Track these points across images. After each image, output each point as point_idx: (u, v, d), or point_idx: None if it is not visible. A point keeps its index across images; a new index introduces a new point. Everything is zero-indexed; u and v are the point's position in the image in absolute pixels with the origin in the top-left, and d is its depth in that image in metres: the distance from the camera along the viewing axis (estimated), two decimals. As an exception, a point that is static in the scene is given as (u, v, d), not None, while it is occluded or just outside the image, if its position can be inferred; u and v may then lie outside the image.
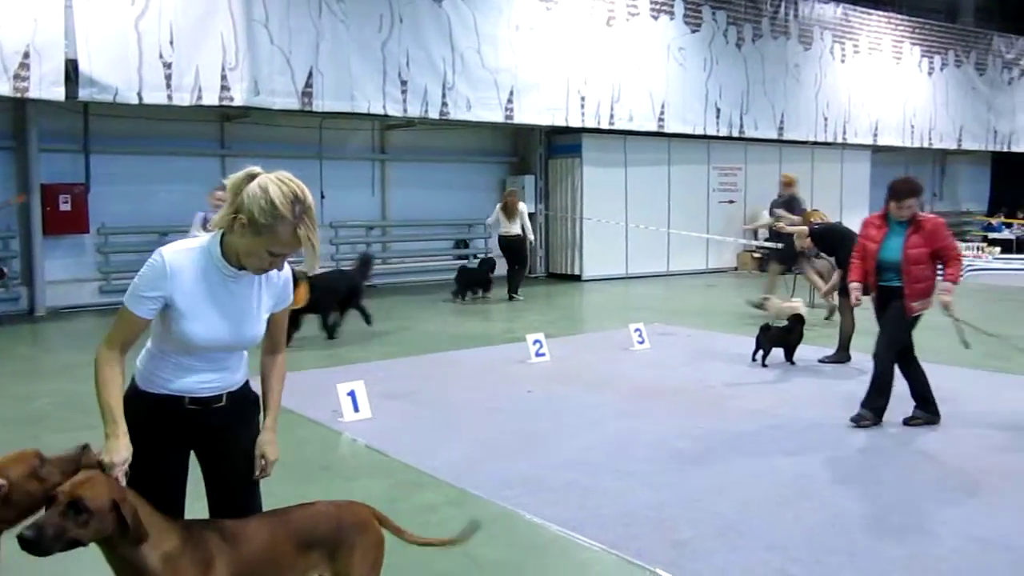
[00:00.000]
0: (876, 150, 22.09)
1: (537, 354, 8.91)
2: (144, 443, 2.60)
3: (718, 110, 17.87)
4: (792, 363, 8.67)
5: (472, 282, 14.03)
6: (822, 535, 4.41)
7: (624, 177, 17.50)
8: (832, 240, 9.07)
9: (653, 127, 16.94)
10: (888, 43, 21.11)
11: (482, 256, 15.14)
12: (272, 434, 2.91)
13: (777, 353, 8.72)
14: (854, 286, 6.71)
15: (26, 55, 10.51)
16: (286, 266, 2.85)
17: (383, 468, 5.60)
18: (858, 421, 6.43)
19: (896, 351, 6.46)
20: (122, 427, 2.55)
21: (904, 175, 6.70)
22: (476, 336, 10.61)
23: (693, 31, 17.39)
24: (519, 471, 5.46)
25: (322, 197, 15.14)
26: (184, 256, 2.66)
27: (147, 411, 2.69)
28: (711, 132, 17.92)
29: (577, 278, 17.20)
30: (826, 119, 19.92)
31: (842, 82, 20.16)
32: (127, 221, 13.30)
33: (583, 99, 15.85)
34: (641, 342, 9.58)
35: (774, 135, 19.04)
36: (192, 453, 2.88)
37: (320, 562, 2.73)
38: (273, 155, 14.63)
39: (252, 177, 2.64)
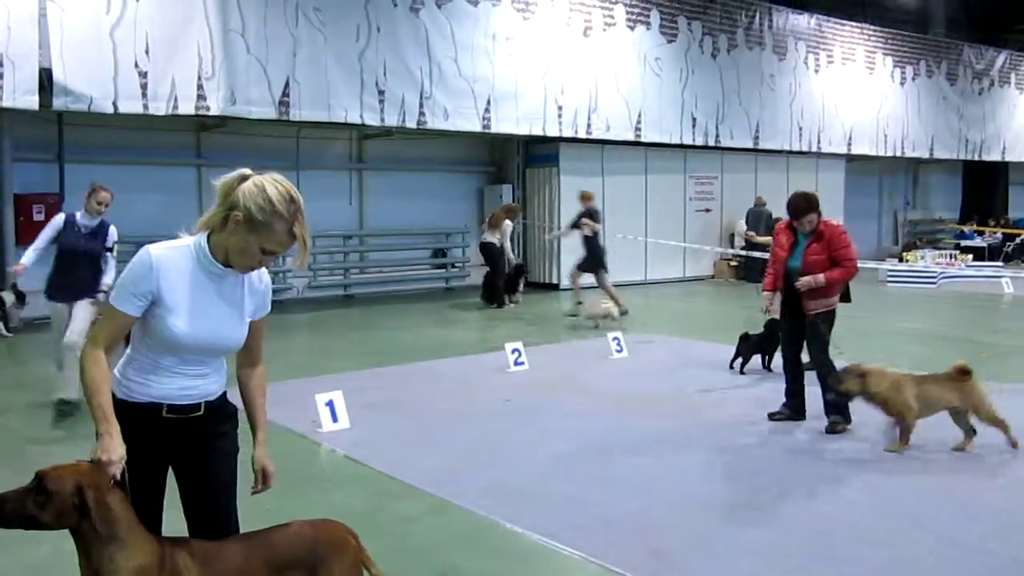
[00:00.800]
0: (850, 159, 22.34)
1: (516, 363, 8.91)
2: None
3: (694, 120, 17.99)
4: (770, 370, 8.74)
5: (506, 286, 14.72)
6: (803, 542, 4.44)
7: (601, 186, 17.54)
8: None
9: (630, 136, 17.03)
10: (861, 53, 21.36)
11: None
12: (265, 447, 2.95)
13: (756, 360, 8.79)
14: (766, 295, 6.96)
15: (0, 64, 10.41)
16: (267, 275, 2.89)
17: (363, 478, 5.58)
18: (833, 428, 6.50)
19: (826, 350, 6.65)
20: (115, 425, 2.53)
21: (801, 191, 6.87)
22: (454, 345, 10.60)
23: (669, 41, 17.52)
24: (499, 480, 5.46)
25: (299, 207, 15.11)
26: (171, 253, 2.70)
27: (125, 422, 2.65)
28: (687, 141, 18.03)
29: (555, 287, 17.23)
30: (801, 128, 20.11)
31: (817, 92, 20.37)
32: (102, 231, 13.17)
33: (560, 108, 15.90)
34: (620, 351, 9.60)
35: (750, 144, 19.20)
36: (170, 469, 2.85)
37: None
38: (250, 165, 14.48)
39: (245, 178, 2.69)
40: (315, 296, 15.33)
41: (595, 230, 13.06)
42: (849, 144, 21.29)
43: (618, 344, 9.67)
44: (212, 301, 2.72)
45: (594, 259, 13.10)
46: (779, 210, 17.96)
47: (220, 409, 2.87)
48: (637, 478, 5.50)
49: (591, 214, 13.24)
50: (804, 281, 6.49)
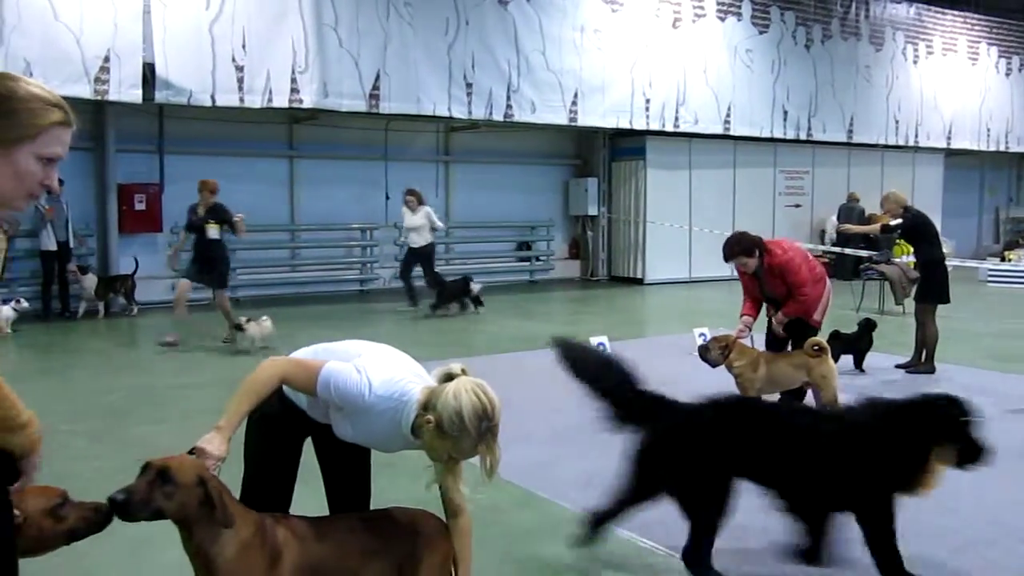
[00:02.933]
0: (950, 153, 21.52)
1: (601, 357, 8.85)
2: (269, 429, 2.67)
3: (785, 112, 17.61)
4: (862, 370, 8.50)
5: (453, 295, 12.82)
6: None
7: (688, 180, 17.35)
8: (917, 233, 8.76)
9: (719, 130, 16.77)
10: (964, 43, 20.56)
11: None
12: None
13: (846, 360, 8.56)
14: (745, 320, 6.75)
15: (106, 59, 10.86)
16: None
17: (449, 467, 5.63)
18: None
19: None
20: (232, 431, 2.60)
21: (735, 234, 6.74)
22: (539, 338, 10.55)
23: (761, 32, 17.17)
24: (586, 473, 5.44)
25: (387, 199, 15.36)
26: (385, 405, 2.70)
27: (280, 402, 2.79)
28: (778, 135, 17.67)
29: (639, 281, 17.10)
30: (897, 121, 19.50)
31: (915, 83, 19.72)
32: (199, 220, 13.60)
33: (648, 101, 15.76)
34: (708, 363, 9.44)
35: (843, 138, 18.69)
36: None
37: (389, 572, 2.73)
38: (340, 156, 14.87)
39: (451, 377, 2.69)
40: (401, 287, 15.52)
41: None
42: (949, 138, 20.54)
43: (704, 339, 9.51)
44: (388, 438, 2.79)
45: (220, 270, 10.01)
46: (872, 206, 17.50)
47: None
48: (726, 476, 5.42)
49: (215, 211, 10.07)
50: (775, 327, 6.56)
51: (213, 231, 9.83)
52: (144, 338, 10.88)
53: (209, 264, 9.84)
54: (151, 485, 2.34)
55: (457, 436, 2.61)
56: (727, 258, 6.57)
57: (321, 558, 2.59)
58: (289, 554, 2.52)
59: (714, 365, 6.57)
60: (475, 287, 12.61)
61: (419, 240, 12.65)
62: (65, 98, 1.96)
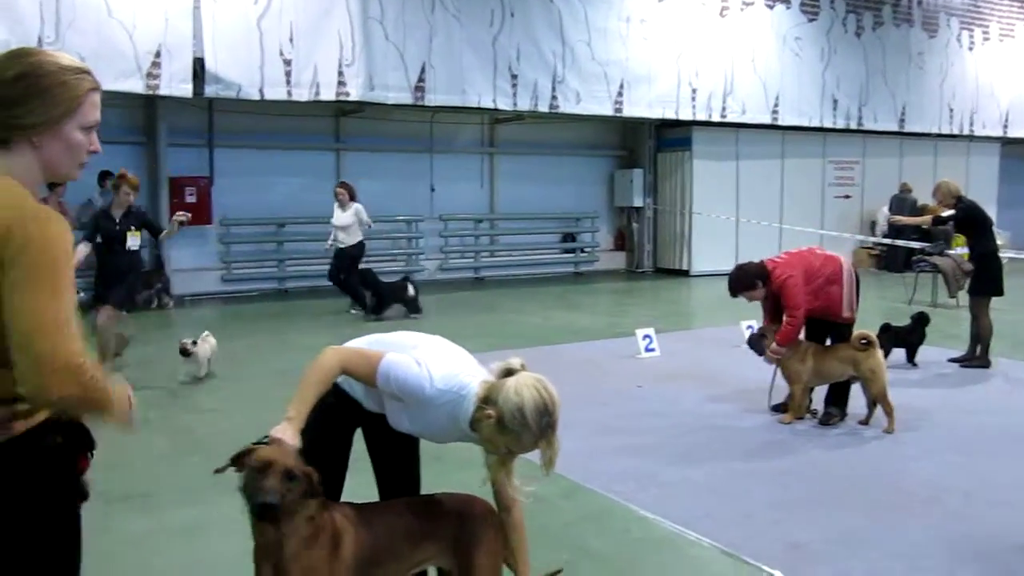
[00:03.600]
0: (1006, 142, 20.97)
1: (647, 349, 8.82)
2: (322, 418, 2.70)
3: (835, 101, 17.32)
4: (914, 364, 8.34)
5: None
6: (953, 545, 4.23)
7: (735, 170, 17.14)
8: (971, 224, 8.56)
9: (767, 119, 16.54)
10: (1022, 29, 20.01)
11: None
12: None
13: (899, 354, 8.41)
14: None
15: (158, 54, 11.03)
16: None
17: (495, 458, 5.64)
18: (828, 420, 6.38)
19: None
20: (302, 423, 2.60)
21: (735, 269, 6.64)
22: (584, 330, 10.59)
23: (810, 20, 16.89)
24: (631, 466, 5.42)
25: (432, 190, 15.42)
26: (445, 398, 2.70)
27: (333, 394, 2.81)
28: (827, 124, 17.38)
29: (685, 273, 16.96)
30: (951, 110, 19.06)
31: (970, 71, 19.25)
32: (247, 212, 13.79)
33: (694, 91, 15.60)
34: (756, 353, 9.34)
35: (895, 127, 18.33)
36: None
37: (439, 555, 2.77)
38: (385, 149, 14.96)
39: (511, 372, 2.67)
40: (446, 278, 15.61)
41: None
42: (1005, 127, 20.04)
43: (753, 330, 9.41)
44: (446, 432, 2.80)
45: (130, 288, 7.94)
46: (925, 196, 17.13)
47: None
48: (774, 470, 5.37)
49: (136, 216, 7.84)
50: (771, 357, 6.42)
51: (134, 240, 7.70)
52: (189, 331, 11.06)
53: (120, 280, 7.63)
54: (282, 482, 2.37)
55: (518, 432, 2.60)
56: (734, 294, 6.55)
57: (373, 542, 2.62)
58: (347, 538, 2.57)
59: (761, 354, 6.47)
60: (412, 290, 11.42)
61: (348, 239, 11.42)
62: (118, 93, 2.00)
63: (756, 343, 6.53)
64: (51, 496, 1.91)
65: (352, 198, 11.49)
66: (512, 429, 2.60)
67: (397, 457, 3.08)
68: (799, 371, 6.28)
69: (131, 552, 4.09)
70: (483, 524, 2.82)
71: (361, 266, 11.71)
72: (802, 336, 6.44)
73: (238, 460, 2.48)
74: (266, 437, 2.52)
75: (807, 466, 5.47)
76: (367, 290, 11.38)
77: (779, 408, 6.64)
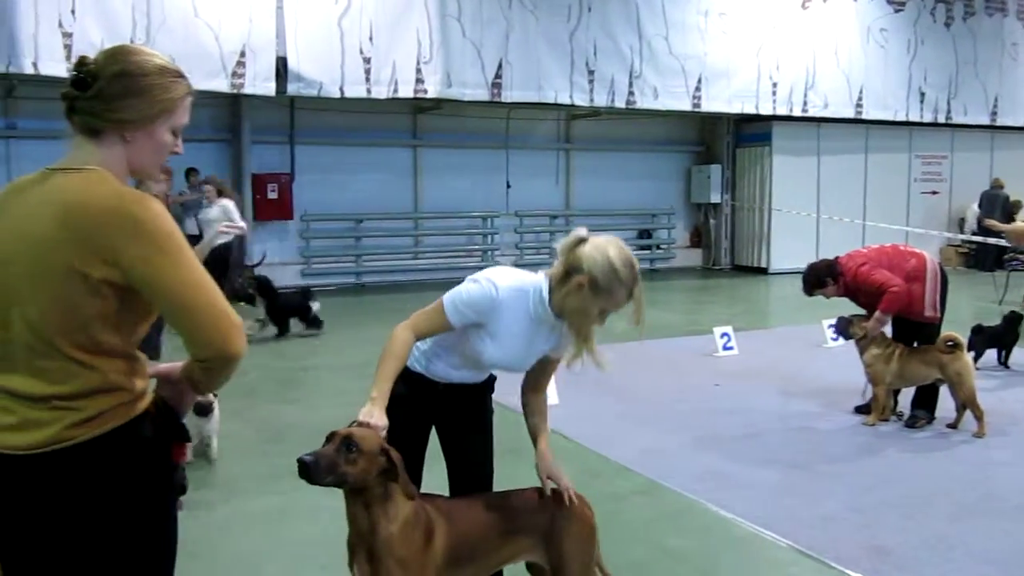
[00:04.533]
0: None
1: (725, 347, 8.70)
2: (398, 412, 2.74)
3: (922, 94, 16.77)
4: (1007, 366, 8.05)
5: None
6: (1046, 552, 4.07)
7: (817, 166, 16.75)
8: None
9: (850, 113, 16.12)
10: (1123, 17, 19.08)
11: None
12: (550, 455, 3.00)
13: (990, 355, 8.12)
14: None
15: (242, 54, 11.32)
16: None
17: (570, 454, 5.63)
18: (913, 422, 6.18)
19: None
20: (386, 398, 2.66)
21: (809, 267, 6.48)
22: (660, 327, 10.48)
23: (896, 11, 16.39)
24: (709, 465, 5.36)
25: (508, 187, 15.47)
26: (515, 295, 2.78)
27: (405, 384, 2.84)
28: (914, 118, 16.85)
29: (763, 271, 16.66)
30: (1048, 103, 18.27)
31: (1068, 61, 18.42)
32: (327, 208, 14.05)
33: (775, 85, 15.30)
34: (836, 339, 9.11)
35: (986, 120, 17.66)
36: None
37: (530, 549, 2.78)
38: (462, 145, 15.06)
39: (582, 240, 2.72)
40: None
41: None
42: (1105, 119, 19.12)
43: (834, 332, 9.21)
44: (527, 339, 2.83)
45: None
46: (1018, 192, 16.50)
47: (487, 385, 3.12)
48: (857, 473, 5.24)
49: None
50: (872, 326, 6.16)
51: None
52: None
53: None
54: (337, 452, 2.42)
55: (611, 288, 2.66)
56: (807, 294, 6.45)
57: (463, 535, 2.65)
58: (440, 531, 2.59)
59: (848, 339, 6.38)
60: (315, 305, 9.97)
61: (219, 239, 9.54)
62: (205, 92, 2.06)
63: (843, 328, 6.38)
64: (148, 488, 1.95)
65: (222, 193, 10.22)
66: (604, 287, 2.66)
67: (469, 454, 3.09)
68: (883, 372, 6.12)
69: (217, 536, 4.21)
70: (574, 517, 2.82)
71: (258, 273, 10.43)
72: (889, 332, 6.27)
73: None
74: (354, 422, 2.56)
75: (892, 469, 5.32)
76: (263, 299, 9.75)
77: (862, 409, 6.48)
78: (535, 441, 3.01)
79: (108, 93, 1.91)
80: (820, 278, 6.28)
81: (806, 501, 4.76)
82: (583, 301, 2.69)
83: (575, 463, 5.43)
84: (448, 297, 2.76)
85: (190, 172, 12.06)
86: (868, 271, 6.07)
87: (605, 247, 2.67)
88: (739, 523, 4.45)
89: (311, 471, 2.36)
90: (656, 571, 3.95)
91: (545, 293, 2.76)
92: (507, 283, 2.76)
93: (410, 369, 2.90)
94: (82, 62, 1.94)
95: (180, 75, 2.01)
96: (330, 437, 2.47)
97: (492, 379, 3.12)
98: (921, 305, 6.12)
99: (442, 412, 3.03)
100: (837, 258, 6.36)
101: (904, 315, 6.17)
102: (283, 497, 4.68)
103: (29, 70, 10.23)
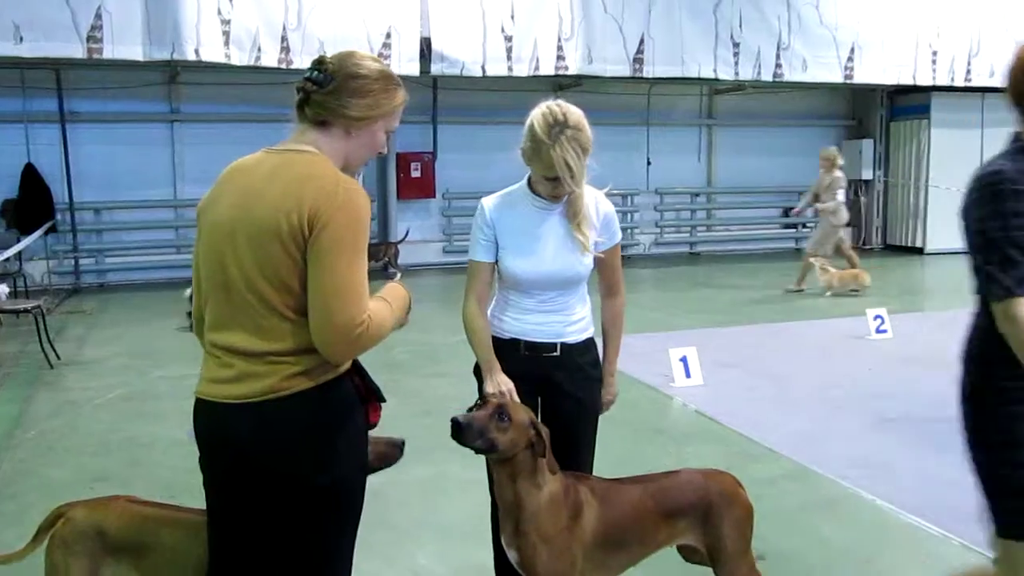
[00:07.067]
0: None
1: (878, 330, 8.33)
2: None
3: (1103, 60, 15.42)
4: None
5: None
6: None
7: (980, 140, 15.70)
8: None
9: (1019, 82, 15.01)
10: None
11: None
12: (611, 377, 3.02)
13: None
14: None
15: (388, 35, 11.57)
16: (607, 204, 2.91)
17: (716, 436, 5.54)
18: None
19: None
20: (496, 364, 2.77)
21: None
22: (808, 308, 10.15)
23: (1076, -32, 15.13)
24: (863, 452, 5.15)
25: (648, 163, 15.25)
26: (498, 198, 2.89)
27: (498, 356, 2.84)
28: (1093, 86, 15.54)
29: (919, 251, 15.82)
30: None
31: None
32: (468, 187, 14.21)
33: (935, 54, 14.42)
34: (1000, 323, 8.61)
35: None
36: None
37: (687, 531, 2.73)
38: (602, 122, 14.74)
39: None
40: (661, 252, 15.45)
41: None
42: None
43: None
44: (544, 234, 2.80)
45: None
46: None
47: (581, 354, 2.87)
48: None
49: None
50: None
51: None
52: (418, 299, 11.58)
53: None
54: (490, 418, 2.48)
55: (536, 148, 2.65)
56: None
57: (617, 518, 2.63)
58: (589, 512, 2.59)
59: None
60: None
61: None
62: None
63: None
64: (349, 440, 2.14)
65: None
66: (529, 148, 2.68)
67: (570, 435, 2.84)
68: None
69: (369, 506, 4.36)
70: (731, 498, 2.76)
71: None
72: None
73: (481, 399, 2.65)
74: (478, 400, 2.64)
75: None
76: None
77: None
78: (604, 359, 3.00)
79: (344, 90, 2.12)
80: None
81: (968, 493, 4.41)
82: (532, 171, 2.76)
83: (723, 446, 5.34)
84: (470, 255, 2.87)
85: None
86: None
87: (536, 109, 2.70)
88: (897, 513, 4.27)
89: (463, 432, 2.44)
90: (808, 560, 3.83)
91: (526, 181, 2.83)
92: (491, 195, 2.89)
93: (495, 337, 2.87)
94: (320, 61, 2.18)
95: (399, 83, 2.24)
96: (482, 403, 2.54)
97: (594, 359, 2.93)
98: None
99: (535, 386, 2.84)
100: None
101: None
102: (435, 468, 4.80)
103: (192, 57, 10.78)
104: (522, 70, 12.25)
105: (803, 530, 4.10)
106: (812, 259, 11.13)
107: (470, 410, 2.62)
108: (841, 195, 11.18)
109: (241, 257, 2.03)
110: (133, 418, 6.05)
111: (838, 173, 11.19)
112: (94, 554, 2.43)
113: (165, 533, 2.48)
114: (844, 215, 11.29)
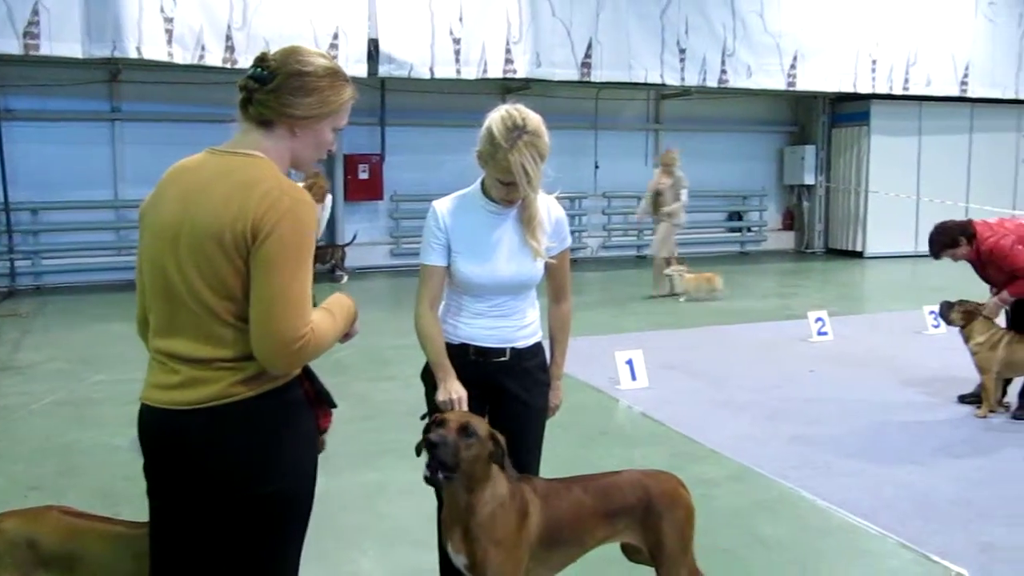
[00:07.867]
0: None
1: (819, 332, 8.49)
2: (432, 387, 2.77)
3: (1034, 71, 15.97)
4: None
5: None
6: None
7: (917, 147, 16.14)
8: None
9: (955, 91, 15.47)
10: None
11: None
12: (557, 381, 3.03)
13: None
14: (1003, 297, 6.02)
15: (335, 36, 11.48)
16: (557, 208, 2.91)
17: (661, 437, 5.59)
18: (1020, 415, 5.93)
19: None
20: (450, 371, 2.75)
21: (934, 227, 6.05)
22: (752, 311, 10.31)
23: (1007, -17, 15.62)
24: (805, 453, 5.24)
25: (596, 167, 15.36)
26: (451, 201, 2.85)
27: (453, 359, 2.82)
28: (1024, 96, 16.08)
29: (859, 255, 16.17)
30: None
31: None
32: (416, 189, 14.16)
33: (874, 63, 14.78)
34: (937, 326, 8.81)
35: (1102, 98, 16.72)
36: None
37: (627, 530, 2.75)
38: (550, 126, 14.71)
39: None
40: (608, 256, 15.55)
41: None
42: None
43: (936, 319, 8.89)
44: (496, 239, 2.79)
45: None
46: None
47: (529, 358, 2.88)
48: (962, 466, 5.05)
49: None
50: (990, 308, 6.01)
51: None
52: (361, 301, 11.50)
53: None
54: (458, 435, 2.43)
55: (492, 152, 2.64)
56: (934, 255, 6.05)
57: (558, 517, 2.64)
58: (535, 512, 2.60)
59: (950, 323, 6.17)
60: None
61: None
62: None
63: (945, 312, 6.14)
64: (297, 446, 2.09)
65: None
66: (486, 152, 2.67)
67: (519, 440, 2.81)
68: (989, 359, 5.87)
69: (316, 509, 4.31)
70: (671, 498, 2.79)
71: None
72: (1002, 322, 6.01)
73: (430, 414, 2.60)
74: (430, 411, 2.62)
75: (1000, 463, 5.11)
76: None
77: (966, 399, 6.24)
78: (550, 363, 3.00)
79: (286, 89, 2.05)
80: (953, 237, 5.89)
81: (908, 492, 4.61)
82: (487, 175, 2.74)
83: (668, 447, 5.40)
84: (421, 260, 2.84)
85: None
86: (1006, 248, 5.72)
87: (494, 113, 2.69)
88: (836, 512, 4.34)
89: (438, 448, 2.38)
90: (748, 559, 3.88)
91: (479, 184, 2.82)
92: (445, 198, 2.86)
93: (447, 342, 2.85)
94: (263, 58, 2.10)
95: (347, 79, 2.15)
96: (439, 422, 2.47)
97: (544, 365, 2.95)
98: None
99: (485, 392, 2.84)
100: (971, 220, 6.03)
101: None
102: (380, 474, 4.76)
103: (133, 55, 10.59)
104: (470, 73, 12.26)
105: (745, 529, 4.16)
106: (671, 270, 11.16)
107: (424, 418, 2.62)
108: (685, 196, 11.28)
109: (183, 264, 1.98)
110: (70, 424, 5.90)
111: (680, 174, 11.33)
112: (25, 566, 2.37)
113: (97, 545, 2.43)
114: (683, 216, 11.40)
